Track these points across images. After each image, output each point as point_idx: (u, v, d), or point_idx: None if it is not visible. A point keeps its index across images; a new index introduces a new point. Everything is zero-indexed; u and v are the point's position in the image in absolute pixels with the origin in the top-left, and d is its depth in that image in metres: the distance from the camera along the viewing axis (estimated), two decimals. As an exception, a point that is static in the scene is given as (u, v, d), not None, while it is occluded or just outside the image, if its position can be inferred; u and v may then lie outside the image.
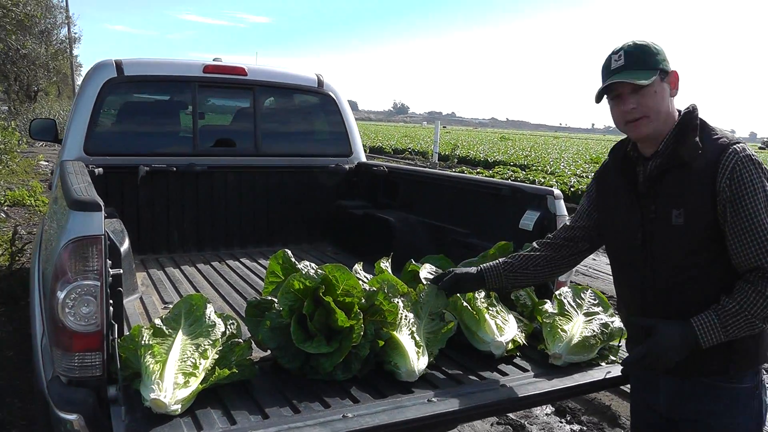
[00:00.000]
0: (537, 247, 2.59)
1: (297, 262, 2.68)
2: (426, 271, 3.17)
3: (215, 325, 2.35)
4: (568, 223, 2.58)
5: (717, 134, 2.00)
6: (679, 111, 2.08)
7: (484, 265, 2.62)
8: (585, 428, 4.19)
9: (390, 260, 3.09)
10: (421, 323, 2.60)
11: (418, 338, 2.47)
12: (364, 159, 5.39)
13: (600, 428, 4.19)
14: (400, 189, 4.82)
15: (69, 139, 4.44)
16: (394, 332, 2.44)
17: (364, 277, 2.93)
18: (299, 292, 2.44)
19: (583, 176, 18.28)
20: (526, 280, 2.62)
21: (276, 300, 2.52)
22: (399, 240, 4.33)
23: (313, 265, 2.75)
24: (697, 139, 1.98)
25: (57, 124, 5.41)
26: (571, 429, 4.19)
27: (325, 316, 2.43)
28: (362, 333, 2.37)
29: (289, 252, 2.71)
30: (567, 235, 2.50)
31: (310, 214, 5.21)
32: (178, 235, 4.79)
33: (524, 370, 2.57)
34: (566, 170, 20.83)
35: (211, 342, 2.27)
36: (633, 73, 1.94)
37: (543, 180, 16.68)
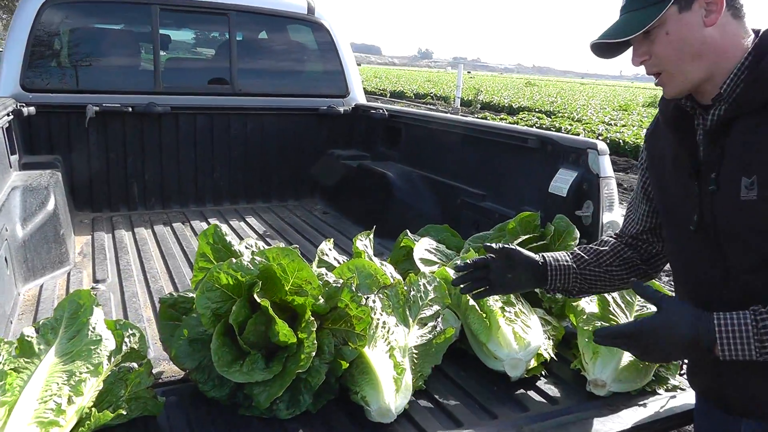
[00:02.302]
0: (608, 240, 1.76)
1: (233, 243, 1.91)
2: (423, 248, 2.39)
3: (100, 340, 1.59)
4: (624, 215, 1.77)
5: None
6: (756, 32, 1.32)
7: (548, 254, 1.72)
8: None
9: (372, 235, 2.29)
10: (408, 331, 1.83)
11: (399, 357, 1.70)
12: (363, 101, 4.55)
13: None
14: (402, 137, 3.99)
15: (3, 72, 3.68)
16: (365, 349, 1.68)
17: (335, 260, 2.15)
18: (227, 289, 1.68)
19: (611, 124, 17.17)
20: (598, 285, 1.71)
21: (202, 296, 1.76)
22: (397, 200, 3.54)
23: (260, 244, 1.98)
24: None
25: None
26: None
27: (263, 324, 1.67)
28: (314, 351, 1.61)
29: (223, 227, 1.93)
30: (634, 230, 1.68)
31: (296, 165, 4.42)
32: (138, 189, 4.05)
33: (551, 400, 1.81)
34: (594, 117, 19.65)
35: (91, 367, 1.52)
36: (628, 18, 1.34)
37: (569, 127, 15.61)
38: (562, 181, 2.42)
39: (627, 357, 1.83)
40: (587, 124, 17.22)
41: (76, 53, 3.98)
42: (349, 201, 4.07)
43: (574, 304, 2.13)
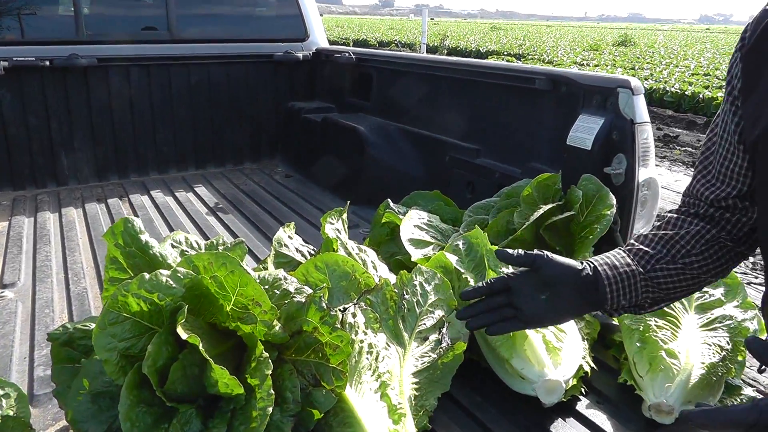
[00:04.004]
0: (672, 219, 1.22)
1: (151, 245, 1.36)
2: (412, 224, 1.87)
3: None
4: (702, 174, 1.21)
5: None
6: None
7: (596, 259, 1.18)
8: None
9: (345, 214, 1.75)
10: (403, 353, 1.32)
11: (394, 397, 1.20)
12: (324, 44, 3.93)
13: None
14: (375, 84, 3.40)
15: None
16: (346, 390, 1.17)
17: (298, 252, 1.62)
18: (141, 318, 1.14)
19: (583, 64, 16.64)
20: (679, 289, 1.18)
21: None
22: (371, 159, 2.99)
23: (193, 241, 1.45)
24: None
25: None
26: None
27: (196, 366, 1.14)
28: (271, 404, 1.09)
29: (137, 222, 1.37)
30: (722, 194, 1.15)
31: (251, 123, 3.83)
32: (68, 160, 3.42)
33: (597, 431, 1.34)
34: (565, 58, 19.08)
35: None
36: None
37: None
38: (584, 131, 1.90)
39: (697, 369, 1.36)
40: (559, 64, 16.67)
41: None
42: (314, 162, 3.51)
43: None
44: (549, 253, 1.17)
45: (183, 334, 1.09)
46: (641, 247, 1.19)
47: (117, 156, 3.53)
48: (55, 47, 3.24)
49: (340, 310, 1.29)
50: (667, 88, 11.48)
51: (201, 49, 3.60)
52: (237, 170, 3.76)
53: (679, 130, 9.52)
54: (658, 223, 1.24)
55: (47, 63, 3.17)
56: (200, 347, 1.08)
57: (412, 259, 1.72)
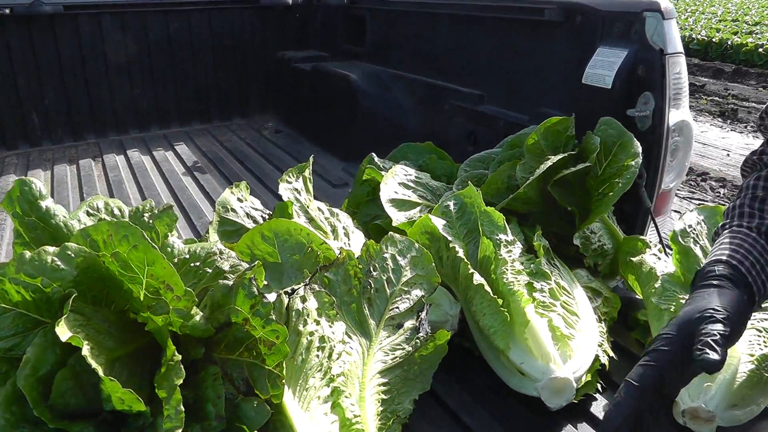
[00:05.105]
0: None
1: (57, 213, 1.09)
2: (396, 182, 1.58)
3: None
4: None
5: None
6: None
7: (736, 244, 0.90)
8: None
9: (309, 169, 1.46)
10: (369, 345, 1.05)
11: (350, 407, 0.93)
12: (317, -14, 3.58)
13: None
14: (368, 28, 3.05)
15: None
16: (285, 401, 0.90)
17: (248, 217, 1.33)
18: (27, 310, 0.88)
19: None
20: None
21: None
22: (364, 109, 2.69)
23: (119, 206, 1.19)
24: None
25: None
26: None
27: (92, 372, 0.88)
28: (181, 422, 0.82)
29: (36, 185, 1.09)
30: None
31: (239, 75, 3.52)
32: (39, 118, 3.16)
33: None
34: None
35: None
36: None
37: None
38: (603, 66, 1.58)
39: (745, 365, 1.07)
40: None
41: None
42: (305, 115, 3.20)
43: (635, 259, 1.35)
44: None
45: (62, 334, 0.82)
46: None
47: (92, 114, 3.25)
48: None
49: (286, 293, 1.02)
50: (693, 36, 10.87)
51: None
52: (224, 126, 3.47)
53: (706, 79, 9.01)
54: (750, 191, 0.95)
55: (7, 11, 2.88)
56: (85, 351, 0.81)
57: (394, 224, 1.43)
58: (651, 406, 0.78)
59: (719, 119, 6.63)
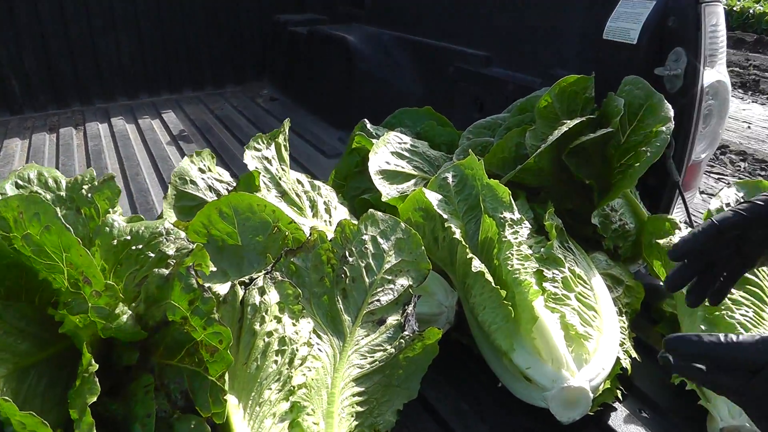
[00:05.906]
0: None
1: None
2: (387, 151, 1.39)
3: None
4: None
5: None
6: None
7: None
8: None
9: (285, 135, 1.27)
10: (342, 346, 0.87)
11: (312, 428, 0.75)
12: (314, -56, 3.34)
13: None
14: (369, -13, 2.83)
15: None
16: (232, 420, 0.72)
17: (210, 189, 1.15)
18: None
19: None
20: None
21: None
22: (362, 73, 2.48)
23: (55, 177, 1.02)
24: None
25: None
26: None
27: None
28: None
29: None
30: None
31: (233, 39, 3.30)
32: (19, 85, 2.97)
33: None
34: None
35: None
36: None
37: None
38: (628, 18, 1.36)
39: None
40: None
41: None
42: (302, 82, 3.00)
43: (661, 242, 1.16)
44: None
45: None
46: None
47: (76, 80, 3.07)
48: None
49: (244, 283, 0.84)
50: (714, 3, 10.48)
51: None
52: (217, 94, 3.27)
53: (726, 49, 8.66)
54: None
55: None
56: (-34, 361, 0.64)
57: (383, 199, 1.25)
58: (726, 256, 0.75)
59: (740, 90, 6.35)
